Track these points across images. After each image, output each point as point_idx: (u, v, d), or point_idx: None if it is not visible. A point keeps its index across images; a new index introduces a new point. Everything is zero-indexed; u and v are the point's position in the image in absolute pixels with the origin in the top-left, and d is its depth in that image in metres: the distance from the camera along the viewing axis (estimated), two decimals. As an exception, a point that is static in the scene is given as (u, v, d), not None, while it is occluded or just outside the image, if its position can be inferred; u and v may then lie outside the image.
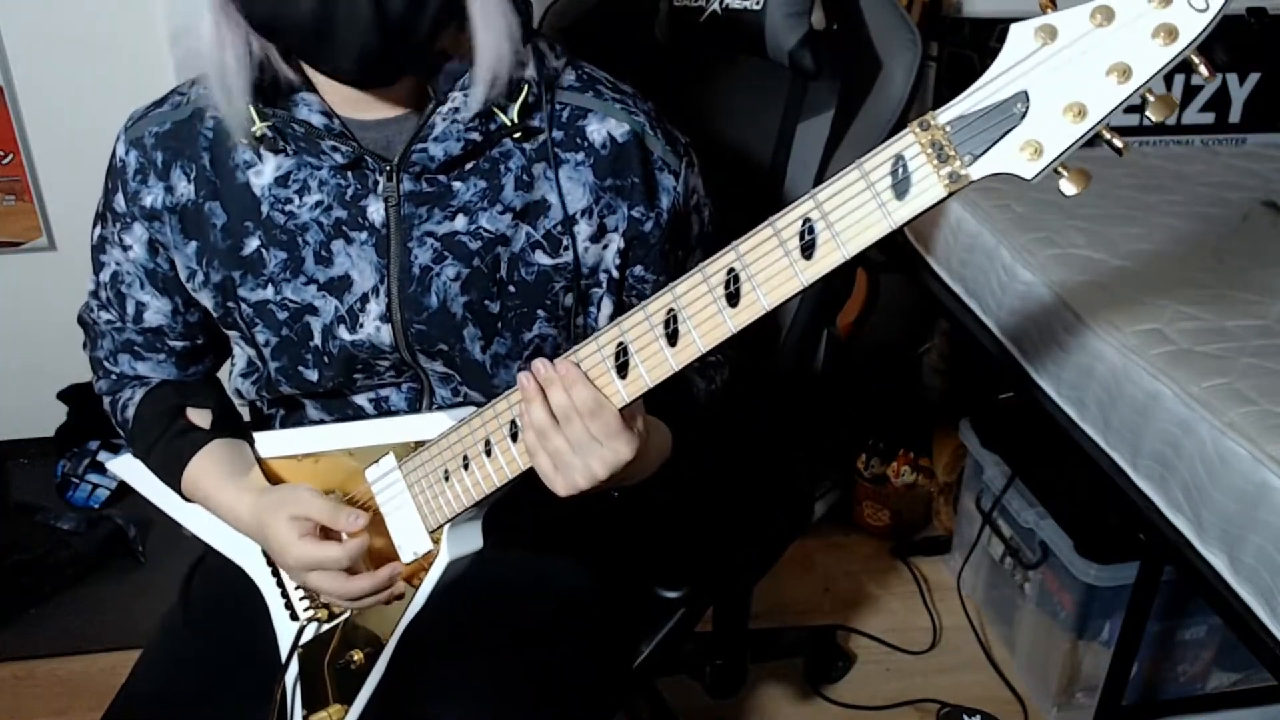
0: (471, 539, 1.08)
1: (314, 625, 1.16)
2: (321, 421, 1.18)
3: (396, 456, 1.07)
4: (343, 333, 1.07)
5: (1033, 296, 1.76)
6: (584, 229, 1.05)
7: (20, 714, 2.02)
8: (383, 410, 1.15)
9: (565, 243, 1.05)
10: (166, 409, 1.17)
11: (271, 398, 1.18)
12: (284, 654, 1.16)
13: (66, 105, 2.29)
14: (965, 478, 2.34)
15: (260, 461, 1.17)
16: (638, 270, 1.10)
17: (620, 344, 0.88)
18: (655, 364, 0.87)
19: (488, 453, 0.99)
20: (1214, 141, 2.43)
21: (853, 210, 0.74)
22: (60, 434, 2.59)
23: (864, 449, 2.48)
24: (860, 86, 1.35)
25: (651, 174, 1.06)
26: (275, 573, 1.19)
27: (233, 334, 1.14)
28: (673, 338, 0.85)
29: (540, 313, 1.07)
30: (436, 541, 1.06)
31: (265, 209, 1.05)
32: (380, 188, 1.03)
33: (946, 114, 0.71)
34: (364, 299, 1.06)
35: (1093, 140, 0.69)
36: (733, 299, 0.82)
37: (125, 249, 1.11)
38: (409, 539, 1.07)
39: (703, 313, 0.83)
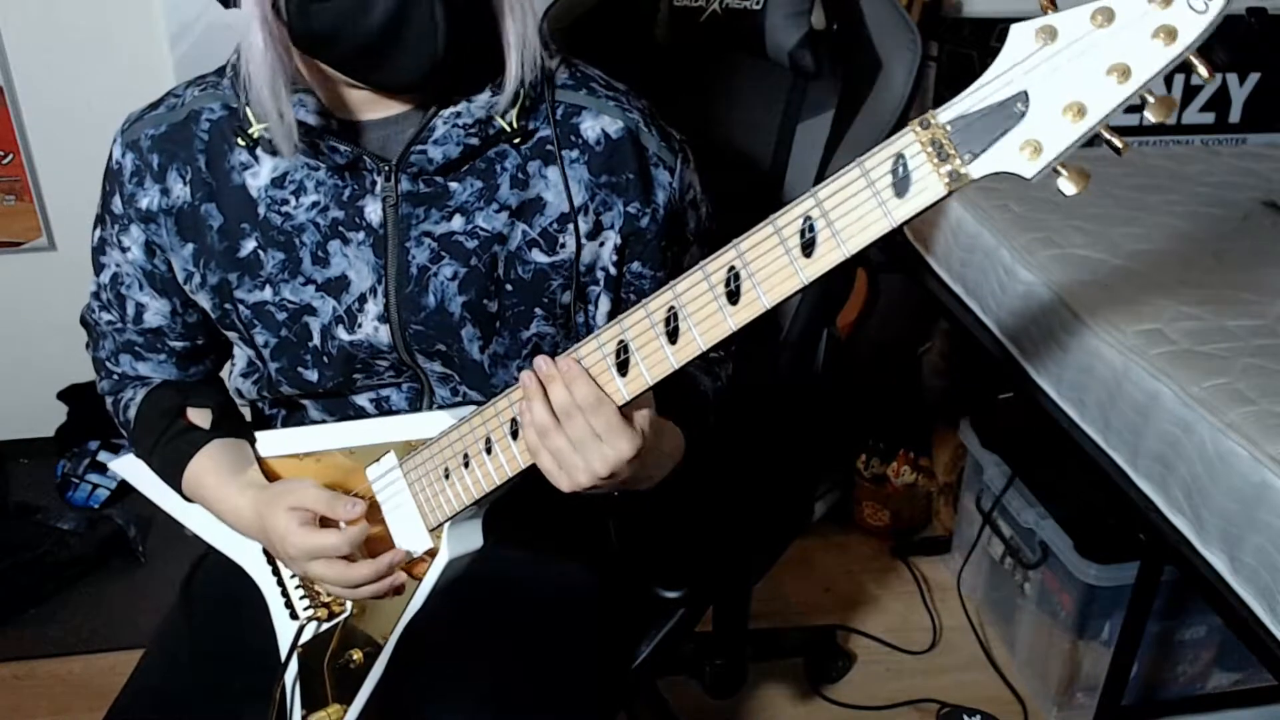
0: (472, 538, 1.07)
1: (314, 625, 1.16)
2: (323, 422, 1.18)
3: (397, 455, 1.07)
4: (341, 333, 1.07)
5: (1033, 296, 1.77)
6: (580, 226, 1.05)
7: (20, 714, 2.02)
8: (383, 410, 1.15)
9: (562, 240, 1.05)
10: (167, 409, 1.17)
11: (272, 398, 1.18)
12: (284, 653, 1.16)
13: (66, 105, 2.29)
14: (965, 478, 2.34)
15: (261, 461, 1.17)
16: (635, 267, 1.10)
17: (621, 342, 0.88)
18: (655, 362, 0.87)
19: (488, 451, 0.99)
20: (1214, 141, 2.44)
21: (853, 208, 0.74)
22: (60, 434, 2.60)
23: (864, 449, 2.48)
24: (860, 86, 1.35)
25: (647, 170, 1.06)
26: (275, 572, 1.19)
27: (232, 335, 1.14)
28: (673, 335, 0.85)
29: (538, 311, 1.08)
30: (437, 540, 1.06)
31: (262, 210, 1.05)
32: (378, 188, 1.03)
33: (947, 113, 0.71)
34: (362, 299, 1.06)
35: (1092, 140, 0.69)
36: (733, 297, 0.82)
37: (124, 251, 1.11)
38: (409, 537, 1.07)
39: (703, 310, 0.83)
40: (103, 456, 2.50)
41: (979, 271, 1.94)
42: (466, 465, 1.01)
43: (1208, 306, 1.63)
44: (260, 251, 1.06)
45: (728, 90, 1.49)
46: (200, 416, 1.17)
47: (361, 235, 1.04)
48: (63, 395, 2.57)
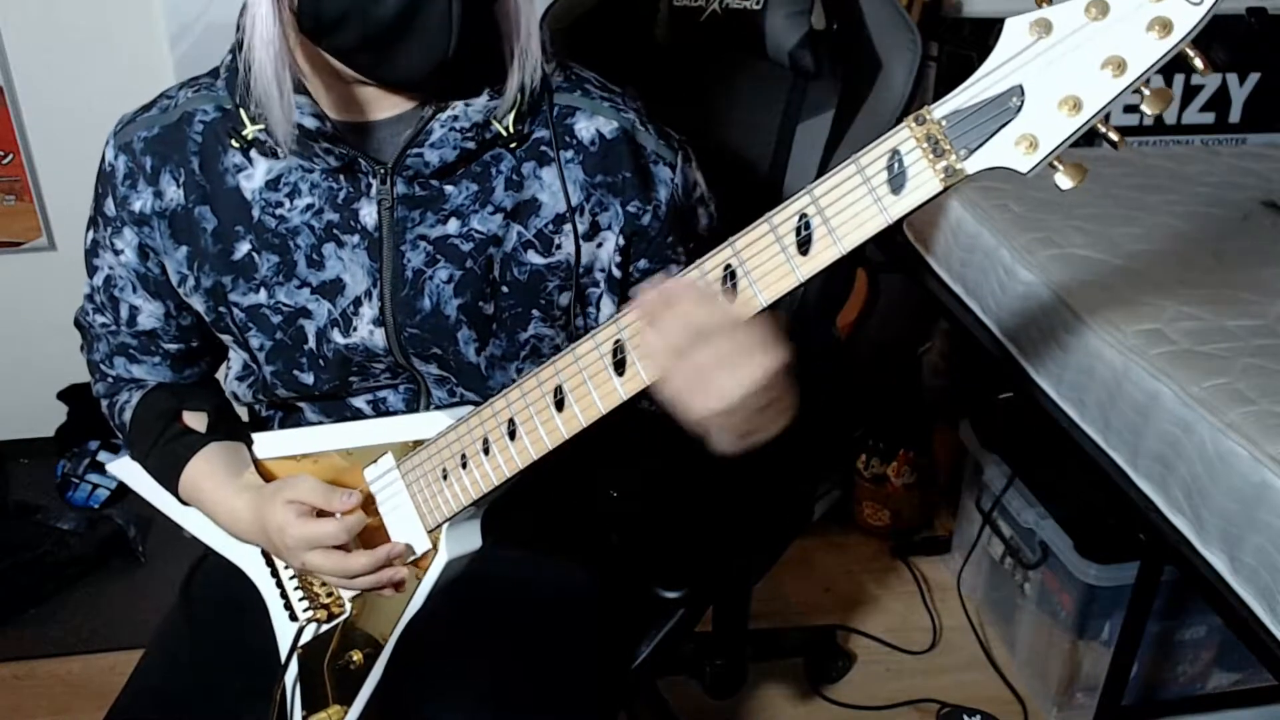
0: (470, 538, 1.07)
1: (313, 626, 1.16)
2: (319, 424, 1.18)
3: (395, 456, 1.07)
4: (336, 336, 1.07)
5: (1033, 296, 1.76)
6: (577, 227, 1.05)
7: (20, 714, 2.02)
8: (380, 412, 1.15)
9: (558, 241, 1.05)
10: (163, 412, 1.17)
11: (268, 401, 1.18)
12: (284, 655, 1.16)
13: (66, 105, 2.30)
14: (965, 478, 2.34)
15: (258, 462, 1.17)
16: (642, 264, 1.09)
17: (618, 341, 0.88)
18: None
19: (486, 451, 0.99)
20: (1214, 141, 2.44)
21: (849, 205, 0.74)
22: (60, 434, 2.60)
23: (864, 449, 2.48)
24: (860, 86, 1.35)
25: (645, 168, 1.06)
26: (274, 573, 1.19)
27: (226, 338, 1.14)
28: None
29: (535, 312, 1.07)
30: (435, 541, 1.06)
31: (256, 213, 1.04)
32: (373, 191, 1.03)
33: (942, 108, 0.71)
34: (357, 303, 1.05)
35: (1091, 138, 0.69)
36: (729, 295, 0.82)
37: (117, 253, 1.11)
38: (407, 538, 1.07)
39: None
40: (102, 457, 2.50)
41: (979, 271, 1.93)
42: (464, 466, 1.01)
43: (1208, 306, 1.62)
44: (255, 254, 1.05)
45: (728, 90, 1.49)
46: (196, 420, 1.17)
47: (356, 238, 1.04)
48: (63, 395, 2.57)
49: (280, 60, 0.93)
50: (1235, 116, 2.42)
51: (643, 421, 1.14)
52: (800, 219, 0.77)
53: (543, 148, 1.04)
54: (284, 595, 1.18)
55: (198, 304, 1.10)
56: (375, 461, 1.09)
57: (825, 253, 0.77)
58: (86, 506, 2.48)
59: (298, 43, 0.96)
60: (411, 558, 1.08)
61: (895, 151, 0.72)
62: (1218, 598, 1.37)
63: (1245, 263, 1.79)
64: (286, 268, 1.05)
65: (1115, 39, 0.65)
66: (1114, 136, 0.68)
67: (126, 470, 1.25)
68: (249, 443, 1.18)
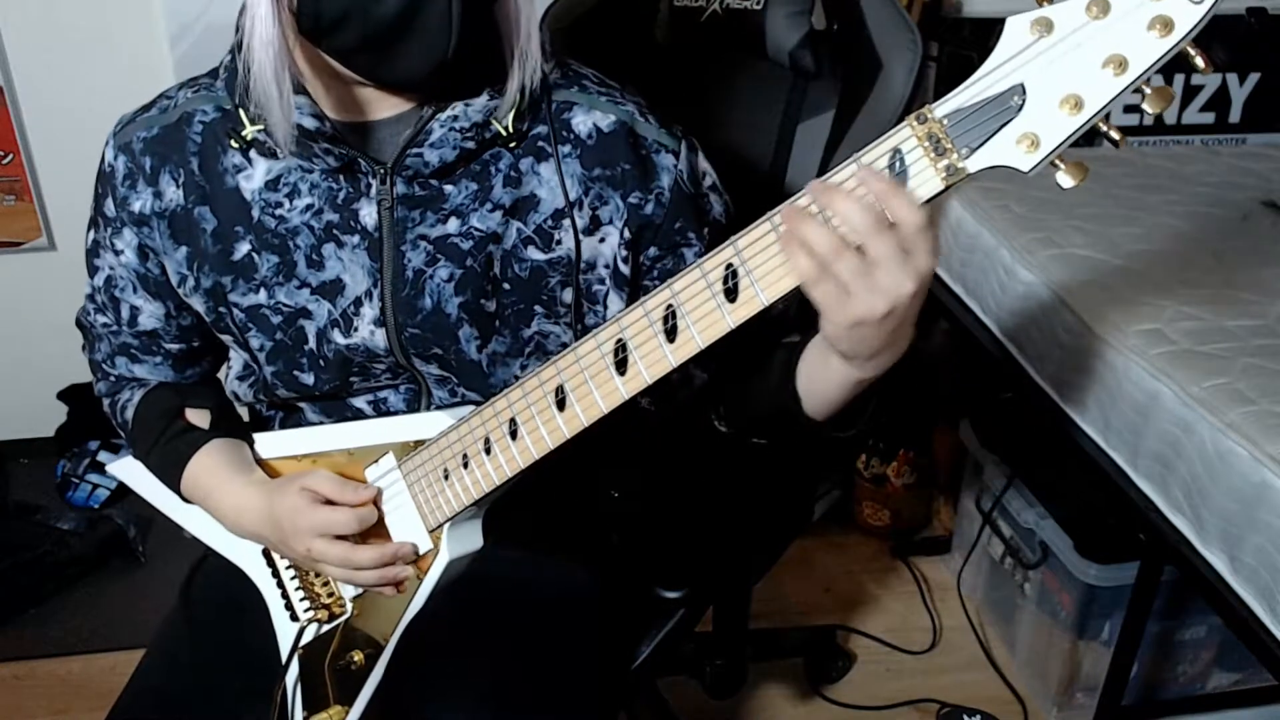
0: (471, 538, 1.07)
1: (314, 626, 1.16)
2: (320, 424, 1.18)
3: (396, 456, 1.07)
4: (337, 336, 1.07)
5: (1033, 296, 1.76)
6: (576, 221, 1.05)
7: (20, 714, 2.02)
8: (381, 412, 1.15)
9: (558, 237, 1.04)
10: (166, 410, 1.17)
11: (269, 401, 1.18)
12: (284, 655, 1.16)
13: (66, 105, 2.30)
14: (965, 478, 2.34)
15: (261, 462, 1.17)
16: (652, 251, 1.08)
17: (619, 341, 0.88)
18: (654, 360, 0.87)
19: (487, 451, 0.99)
20: (1214, 141, 2.44)
21: (850, 204, 0.74)
22: (60, 434, 2.60)
23: (864, 449, 2.48)
24: (861, 87, 1.35)
25: (645, 158, 1.04)
26: (275, 573, 1.19)
27: (226, 338, 1.14)
28: (671, 334, 0.85)
29: (537, 309, 1.07)
30: (437, 541, 1.06)
31: (256, 213, 1.04)
32: (373, 191, 1.03)
33: (943, 107, 0.71)
34: (357, 303, 1.05)
35: (1092, 137, 0.69)
36: (731, 294, 0.82)
37: (117, 254, 1.11)
38: (409, 538, 1.07)
39: (701, 308, 0.83)
40: (103, 457, 2.50)
41: (979, 271, 1.94)
42: (466, 466, 1.01)
43: (1208, 306, 1.63)
44: (254, 254, 1.05)
45: (728, 90, 1.49)
46: (199, 417, 1.17)
47: (356, 238, 1.04)
48: (63, 395, 2.57)
49: (279, 61, 0.93)
50: (1235, 116, 2.42)
51: (644, 421, 1.14)
52: (803, 217, 0.77)
53: (540, 143, 1.03)
54: (285, 595, 1.18)
55: (197, 304, 1.10)
56: (376, 461, 1.09)
57: (827, 252, 0.76)
58: (86, 506, 2.48)
59: (297, 43, 0.96)
60: (415, 557, 1.08)
61: (897, 150, 0.72)
62: (1218, 598, 1.37)
63: (1245, 263, 1.79)
64: (286, 268, 1.05)
65: (1116, 38, 0.65)
66: (1115, 135, 0.68)
67: (126, 470, 1.25)
68: (250, 442, 1.18)
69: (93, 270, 1.15)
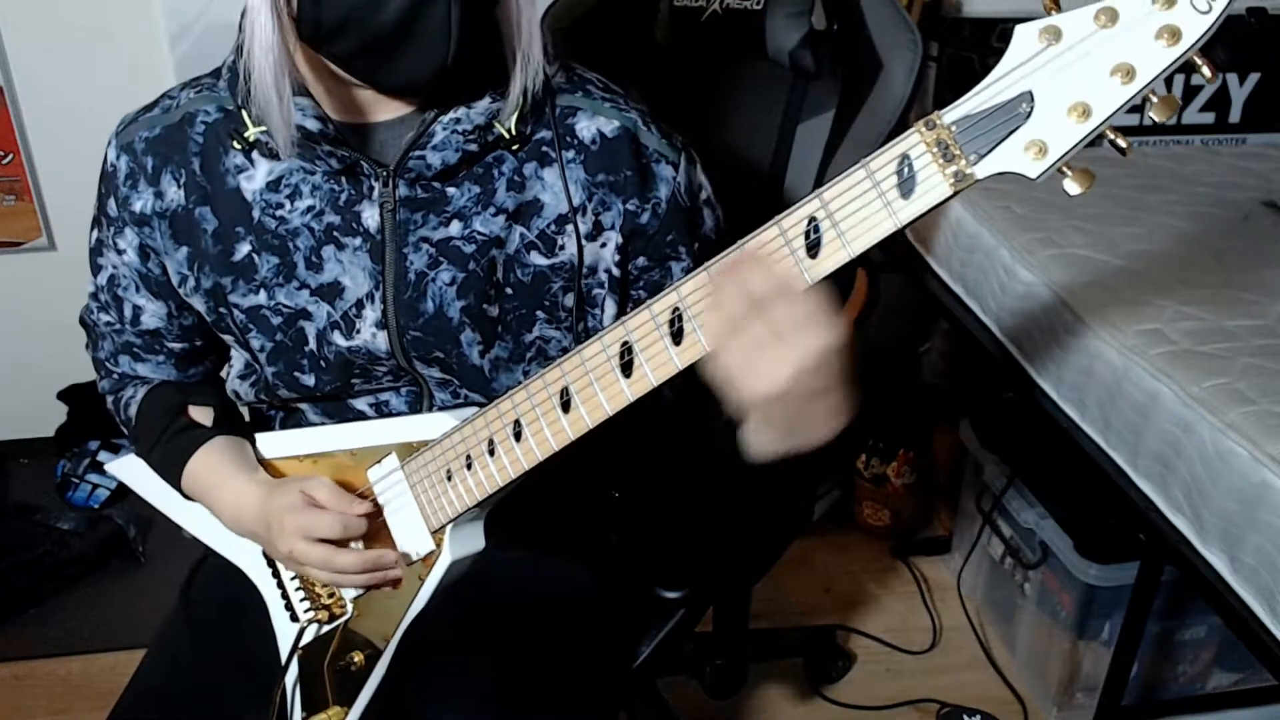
0: (474, 540, 1.07)
1: (314, 627, 1.16)
2: (322, 424, 1.18)
3: (399, 456, 1.07)
4: (338, 338, 1.07)
5: (1033, 297, 1.77)
6: (579, 227, 1.05)
7: (20, 714, 2.02)
8: (383, 414, 1.15)
9: (560, 242, 1.04)
10: (169, 407, 1.17)
11: (270, 401, 1.18)
12: (284, 656, 1.16)
13: (66, 105, 2.29)
14: (965, 478, 2.34)
15: (263, 462, 1.17)
16: (640, 262, 1.08)
17: (625, 343, 0.88)
18: (660, 364, 0.87)
19: (491, 453, 0.99)
20: (1214, 141, 2.44)
21: (858, 209, 0.75)
22: (60, 434, 2.59)
23: (864, 449, 2.48)
24: (860, 87, 1.35)
25: (646, 167, 1.05)
26: (275, 574, 1.19)
27: (227, 338, 1.14)
28: (677, 336, 0.85)
29: (540, 314, 1.07)
30: (439, 542, 1.06)
31: (256, 214, 1.04)
32: (375, 193, 1.03)
33: (952, 114, 0.71)
34: (359, 305, 1.05)
35: (1095, 140, 0.69)
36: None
37: (119, 253, 1.11)
38: (411, 540, 1.07)
39: (707, 310, 0.83)
40: (103, 456, 2.49)
41: (979, 271, 1.94)
42: (469, 467, 1.01)
43: (1208, 306, 1.63)
44: (255, 255, 1.05)
45: (728, 91, 1.49)
46: (202, 414, 1.17)
47: (359, 241, 1.04)
48: (63, 395, 2.57)
49: (280, 67, 0.93)
50: (1235, 117, 2.42)
51: (648, 420, 1.14)
52: (809, 222, 0.77)
53: (544, 148, 1.03)
54: (285, 596, 1.18)
55: (198, 304, 1.10)
56: (379, 462, 1.09)
57: (834, 256, 0.77)
58: (86, 506, 2.47)
59: (298, 48, 0.96)
60: (415, 559, 1.08)
61: (905, 156, 0.72)
62: (1218, 598, 1.38)
63: (1245, 263, 1.80)
64: (286, 269, 1.05)
65: (1124, 46, 0.65)
66: (1121, 143, 0.68)
67: (126, 470, 1.25)
68: (252, 441, 1.18)
69: (96, 269, 1.15)
